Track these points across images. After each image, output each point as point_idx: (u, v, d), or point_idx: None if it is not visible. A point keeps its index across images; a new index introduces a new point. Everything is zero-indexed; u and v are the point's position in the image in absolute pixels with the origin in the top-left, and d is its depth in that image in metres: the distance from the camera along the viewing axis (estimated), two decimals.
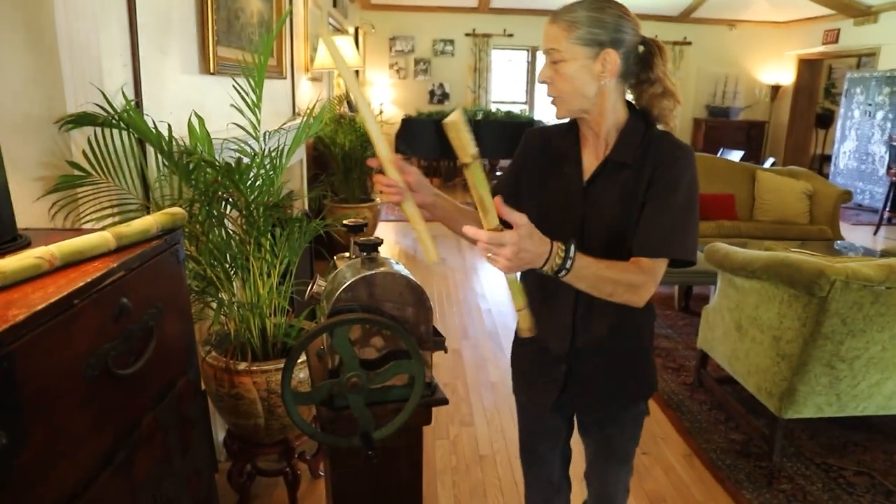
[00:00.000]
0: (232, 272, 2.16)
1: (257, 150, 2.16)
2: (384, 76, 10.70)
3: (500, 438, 2.99)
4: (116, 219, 1.92)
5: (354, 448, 1.52)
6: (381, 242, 1.59)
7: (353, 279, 1.46)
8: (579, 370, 1.56)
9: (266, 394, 2.17)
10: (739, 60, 11.36)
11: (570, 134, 1.50)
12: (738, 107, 11.47)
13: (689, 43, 11.13)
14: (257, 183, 2.06)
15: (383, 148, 1.28)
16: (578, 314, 1.50)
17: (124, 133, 1.88)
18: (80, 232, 1.15)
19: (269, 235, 2.17)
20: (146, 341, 1.05)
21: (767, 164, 7.30)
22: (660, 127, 1.45)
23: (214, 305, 2.08)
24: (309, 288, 1.64)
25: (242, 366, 2.14)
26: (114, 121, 1.78)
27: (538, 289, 1.53)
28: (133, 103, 1.97)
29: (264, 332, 2.26)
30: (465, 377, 3.61)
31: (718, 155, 8.05)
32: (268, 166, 2.18)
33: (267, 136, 2.29)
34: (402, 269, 1.55)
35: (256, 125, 2.13)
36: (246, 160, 2.02)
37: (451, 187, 9.63)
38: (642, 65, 1.41)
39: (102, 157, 1.81)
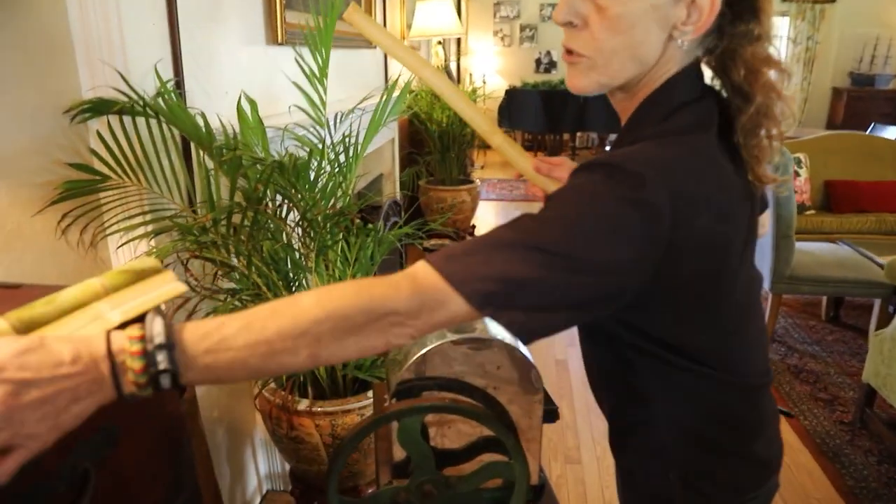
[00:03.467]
0: (293, 288, 1.76)
1: (324, 137, 1.74)
2: (488, 44, 10.10)
3: (612, 484, 2.46)
4: (149, 228, 1.55)
5: None
6: None
7: (430, 347, 1.01)
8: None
9: (331, 439, 1.78)
10: (893, 19, 9.92)
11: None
12: (888, 74, 10.02)
13: (833, 0, 9.81)
14: (320, 183, 1.63)
15: (520, 160, 1.01)
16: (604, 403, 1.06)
17: (155, 122, 1.49)
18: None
19: (337, 248, 1.75)
20: (82, 487, 0.65)
21: None
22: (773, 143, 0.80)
23: None
24: None
25: (303, 405, 1.75)
26: (138, 107, 1.39)
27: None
28: (173, 84, 1.58)
29: None
30: (572, 396, 3.11)
31: (869, 132, 6.98)
32: (340, 157, 1.76)
33: (339, 119, 1.86)
34: (499, 327, 1.08)
35: (321, 106, 1.69)
36: (303, 153, 1.60)
37: None
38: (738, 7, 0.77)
39: (125, 155, 1.43)
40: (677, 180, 0.70)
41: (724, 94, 0.83)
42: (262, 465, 2.33)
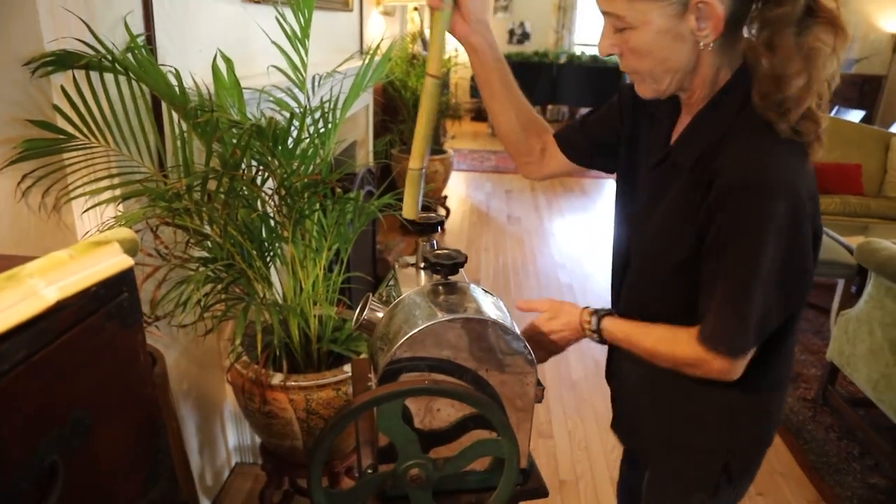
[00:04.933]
0: (269, 258, 1.70)
1: (303, 101, 1.66)
2: None
3: (583, 458, 2.50)
4: (118, 192, 1.47)
5: None
6: (464, 261, 1.08)
7: (420, 328, 0.96)
8: (621, 406, 1.32)
9: (305, 414, 1.73)
10: (860, 4, 10.02)
11: (671, 96, 1.03)
12: (851, 58, 10.16)
13: None
14: (299, 149, 1.56)
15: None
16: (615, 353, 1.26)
17: (124, 79, 1.40)
18: None
19: (314, 217, 1.69)
20: (49, 482, 0.59)
21: None
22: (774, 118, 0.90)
23: (242, 306, 1.62)
24: (357, 313, 1.15)
25: (276, 379, 1.70)
26: (105, 62, 1.30)
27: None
28: (143, 39, 1.49)
29: (307, 334, 1.81)
30: (543, 372, 3.11)
31: (833, 114, 7.07)
32: (318, 123, 1.68)
33: (317, 83, 1.78)
34: (491, 306, 1.04)
35: (301, 68, 1.61)
36: (282, 118, 1.52)
37: None
38: None
39: (91, 112, 1.34)
40: (806, 183, 0.89)
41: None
42: (232, 437, 2.28)
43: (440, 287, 1.07)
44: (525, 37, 10.04)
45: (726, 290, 0.93)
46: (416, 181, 1.11)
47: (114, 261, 0.65)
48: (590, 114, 1.24)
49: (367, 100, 3.84)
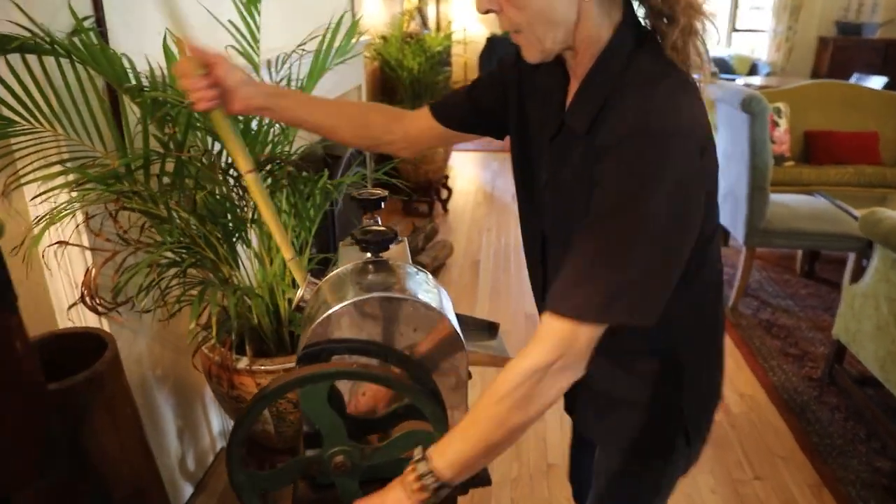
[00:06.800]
0: (234, 240, 1.67)
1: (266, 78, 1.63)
2: None
3: None
4: (70, 177, 1.45)
5: None
6: (392, 237, 1.04)
7: (336, 308, 0.92)
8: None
9: None
10: None
11: (557, 65, 0.99)
12: (875, 23, 9.79)
13: None
14: (253, 125, 1.52)
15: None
16: None
17: (69, 63, 1.37)
18: None
19: (281, 198, 1.66)
20: None
21: None
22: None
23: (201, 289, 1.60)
24: (298, 293, 1.12)
25: (242, 363, 1.68)
26: (43, 44, 1.27)
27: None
28: (91, 23, 1.46)
29: (278, 316, 1.78)
30: None
31: (852, 81, 6.83)
32: None
33: (280, 61, 1.74)
34: (418, 285, 1.00)
35: (254, 46, 1.57)
36: None
37: None
38: None
39: (32, 98, 1.32)
40: (700, 122, 0.84)
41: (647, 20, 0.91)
42: (217, 423, 2.27)
43: (369, 265, 1.03)
44: None
45: (603, 247, 0.81)
46: (299, 267, 1.13)
47: None
48: (474, 84, 1.21)
49: (358, 80, 3.79)
